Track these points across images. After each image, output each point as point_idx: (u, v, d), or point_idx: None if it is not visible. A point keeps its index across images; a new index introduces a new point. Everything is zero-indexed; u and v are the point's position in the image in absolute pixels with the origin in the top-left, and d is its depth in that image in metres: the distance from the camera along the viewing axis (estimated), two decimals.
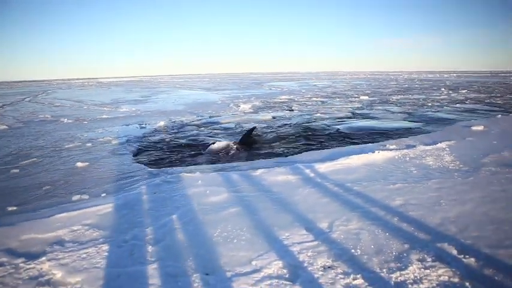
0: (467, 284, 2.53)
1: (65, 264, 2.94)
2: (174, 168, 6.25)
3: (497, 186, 4.52)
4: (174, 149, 7.98)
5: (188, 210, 4.05)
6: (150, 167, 6.31)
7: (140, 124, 11.60)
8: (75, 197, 4.66)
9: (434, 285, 2.52)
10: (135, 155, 7.43)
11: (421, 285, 2.51)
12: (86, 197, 4.69)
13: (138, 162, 6.79)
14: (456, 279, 2.58)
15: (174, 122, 12.20)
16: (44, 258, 3.05)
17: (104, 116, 13.71)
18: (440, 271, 2.68)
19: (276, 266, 2.83)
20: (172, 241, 3.31)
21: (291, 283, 2.60)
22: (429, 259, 2.85)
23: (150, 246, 3.22)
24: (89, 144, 8.34)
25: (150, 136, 9.72)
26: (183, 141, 9.02)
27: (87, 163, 6.50)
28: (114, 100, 22.92)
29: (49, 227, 3.67)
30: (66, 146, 8.18)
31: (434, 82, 42.97)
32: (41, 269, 2.89)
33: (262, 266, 2.84)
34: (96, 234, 3.50)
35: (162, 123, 11.65)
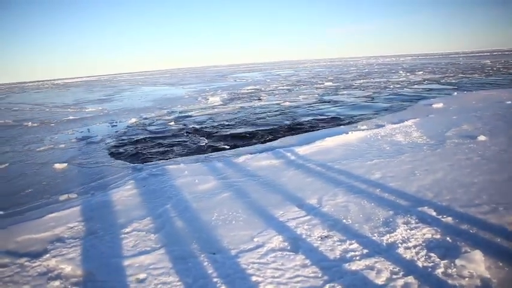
0: (447, 239, 2.86)
1: (71, 259, 3.00)
2: (157, 161, 6.29)
3: (462, 155, 4.96)
4: (151, 144, 7.97)
5: (181, 199, 4.17)
6: (132, 163, 6.31)
7: (111, 123, 11.40)
8: (63, 197, 4.64)
9: (421, 242, 2.84)
10: (113, 152, 7.36)
11: (409, 244, 2.82)
12: (73, 196, 4.68)
13: (118, 159, 6.76)
14: (438, 236, 2.91)
15: (145, 118, 12.08)
16: (48, 255, 3.09)
17: (71, 117, 13.31)
18: (424, 230, 3.00)
19: (277, 240, 3.04)
20: (172, 228, 3.44)
21: (294, 253, 2.82)
22: (413, 221, 3.17)
23: (152, 235, 3.33)
24: (62, 146, 8.16)
25: (124, 133, 9.60)
26: (159, 136, 9.00)
27: (65, 164, 6.39)
28: (76, 101, 22.17)
29: (43, 226, 3.68)
30: (38, 149, 7.97)
31: (391, 66, 44.69)
32: (48, 265, 2.94)
33: (264, 241, 3.04)
34: (94, 229, 3.56)
35: (133, 120, 11.51)
